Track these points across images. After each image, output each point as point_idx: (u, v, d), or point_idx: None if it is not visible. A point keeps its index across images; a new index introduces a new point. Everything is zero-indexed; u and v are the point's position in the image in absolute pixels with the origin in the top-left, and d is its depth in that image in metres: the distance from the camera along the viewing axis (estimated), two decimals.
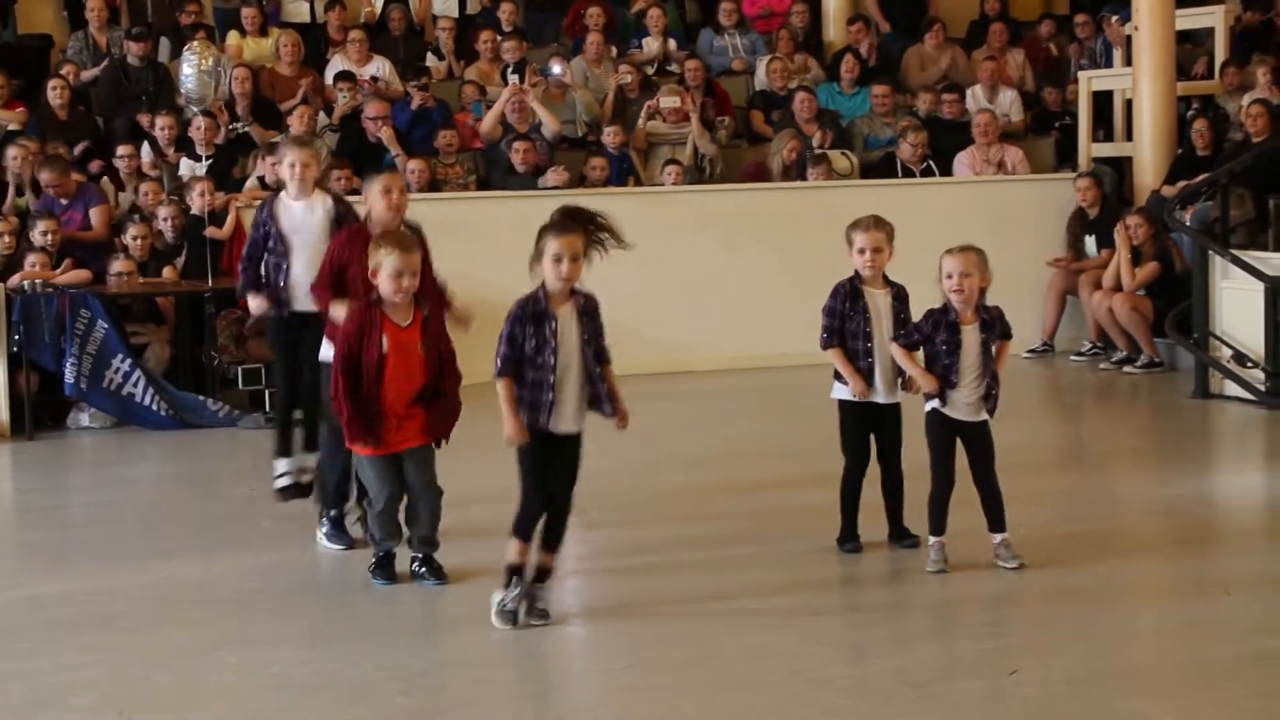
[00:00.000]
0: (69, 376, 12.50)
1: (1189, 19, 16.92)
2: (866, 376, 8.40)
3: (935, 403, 8.10)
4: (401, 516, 8.15)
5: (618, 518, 9.65)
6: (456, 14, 18.28)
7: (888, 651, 7.16)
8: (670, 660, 6.98)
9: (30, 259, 12.91)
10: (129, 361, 12.64)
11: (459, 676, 6.85)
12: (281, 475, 9.49)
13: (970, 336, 8.05)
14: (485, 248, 14.75)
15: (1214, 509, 9.69)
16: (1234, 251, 13.29)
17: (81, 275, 13.03)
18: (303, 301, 9.08)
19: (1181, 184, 14.85)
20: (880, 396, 8.45)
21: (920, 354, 8.12)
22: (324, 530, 8.98)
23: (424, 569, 8.21)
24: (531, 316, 7.41)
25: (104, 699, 6.65)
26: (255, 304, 9.27)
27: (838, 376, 8.42)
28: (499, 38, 17.18)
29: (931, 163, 16.13)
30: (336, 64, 16.75)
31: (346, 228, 8.94)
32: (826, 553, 8.53)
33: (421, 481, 8.05)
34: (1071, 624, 7.37)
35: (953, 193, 15.89)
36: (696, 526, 9.38)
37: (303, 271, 9.09)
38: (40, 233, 13.12)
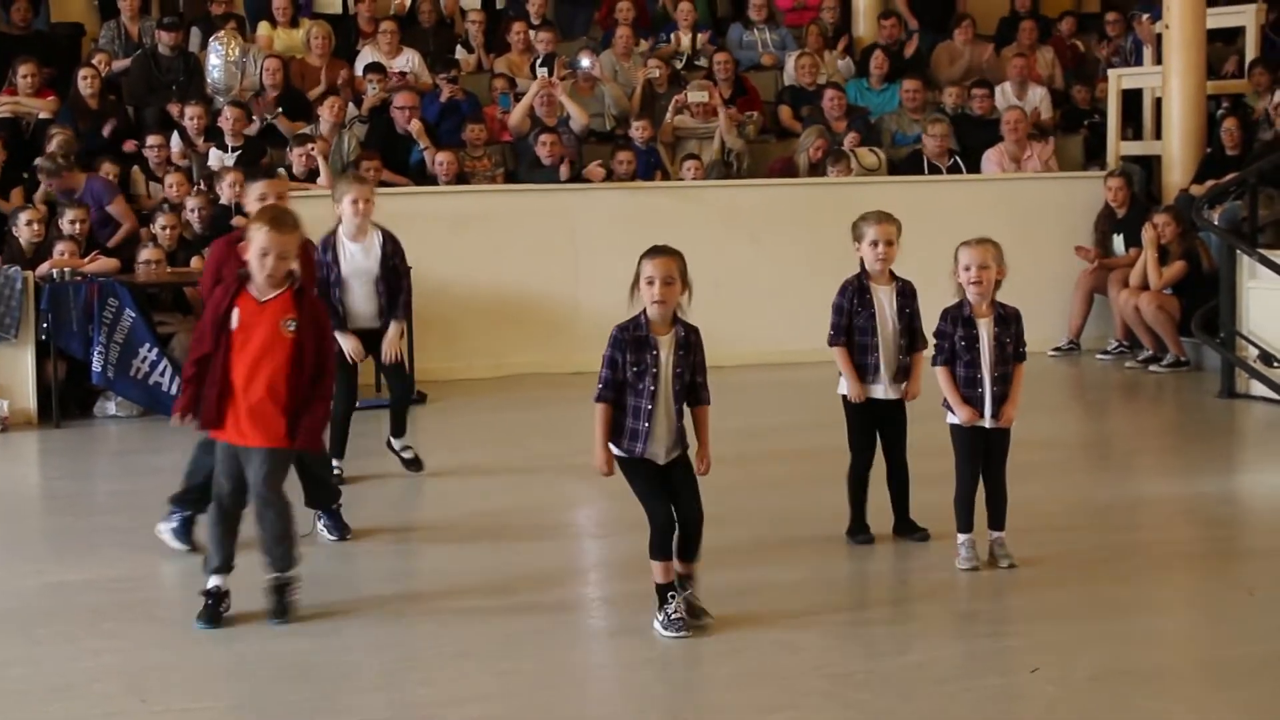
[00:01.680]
0: (96, 365, 12.54)
1: (1220, 18, 16.87)
2: (872, 372, 8.46)
3: (957, 419, 8.12)
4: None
5: (638, 512, 9.64)
6: (485, 6, 18.28)
7: (908, 647, 7.17)
8: (692, 653, 6.99)
9: (59, 247, 12.94)
10: (156, 350, 12.66)
11: (480, 668, 6.86)
12: (336, 470, 9.98)
13: (985, 329, 8.04)
14: (511, 240, 14.83)
15: (1239, 508, 9.66)
16: (1261, 251, 13.25)
17: (110, 264, 13.06)
18: (364, 322, 9.99)
19: (1210, 183, 14.82)
20: (882, 392, 8.51)
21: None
22: (172, 526, 8.69)
23: (270, 598, 7.52)
24: (631, 342, 7.28)
25: (127, 686, 6.68)
26: (350, 346, 9.92)
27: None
28: (530, 30, 17.20)
29: (959, 159, 16.12)
30: (366, 55, 16.77)
31: (224, 236, 9.06)
32: (848, 549, 8.53)
33: (263, 488, 7.39)
34: (1093, 622, 7.36)
35: (980, 189, 15.87)
36: (719, 522, 9.35)
37: (362, 302, 9.99)
38: (69, 221, 13.16)
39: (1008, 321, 8.16)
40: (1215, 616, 7.67)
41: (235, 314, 7.34)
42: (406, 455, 10.53)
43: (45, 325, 12.56)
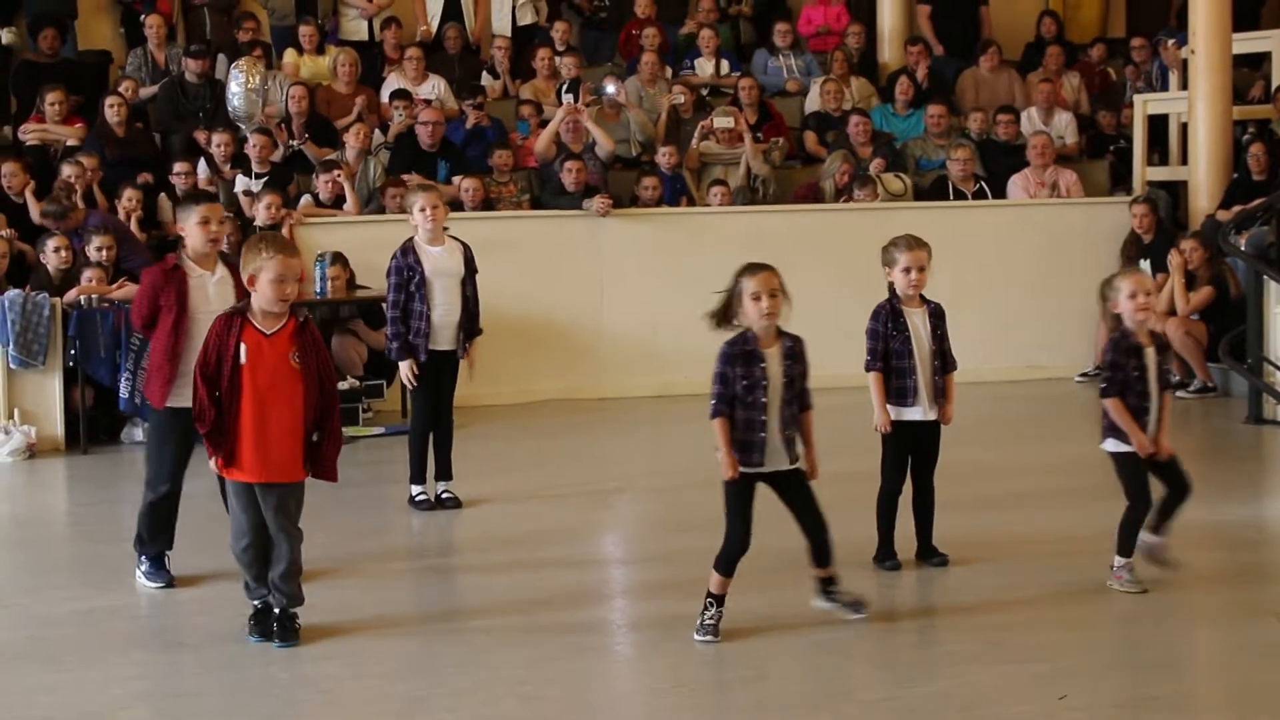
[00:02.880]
0: (123, 391, 12.56)
1: (1246, 43, 16.85)
2: (911, 394, 8.52)
3: (1123, 446, 8.18)
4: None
5: (664, 538, 9.66)
6: (510, 32, 18.31)
7: (934, 674, 7.16)
8: (718, 679, 7.00)
9: (86, 274, 12.98)
10: None
11: (507, 694, 6.86)
12: (420, 495, 10.47)
13: (1150, 359, 8.13)
14: (537, 266, 14.84)
15: (1266, 534, 9.64)
16: None
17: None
18: (444, 341, 10.15)
19: (1236, 208, 14.79)
20: (921, 414, 8.57)
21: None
22: (143, 569, 8.70)
23: (275, 624, 7.54)
24: (741, 356, 7.49)
25: (154, 713, 6.71)
26: (407, 372, 10.16)
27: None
28: (555, 56, 17.24)
29: (984, 184, 16.11)
30: (393, 82, 16.82)
31: (159, 263, 9.04)
32: (874, 575, 8.52)
33: (278, 522, 7.39)
34: (1121, 649, 7.36)
35: (1005, 215, 15.87)
36: None
37: (448, 312, 10.15)
38: (95, 248, 13.20)
39: (1165, 349, 8.27)
40: (1241, 643, 7.65)
41: (243, 349, 7.28)
42: (446, 496, 10.55)
43: (73, 352, 12.61)
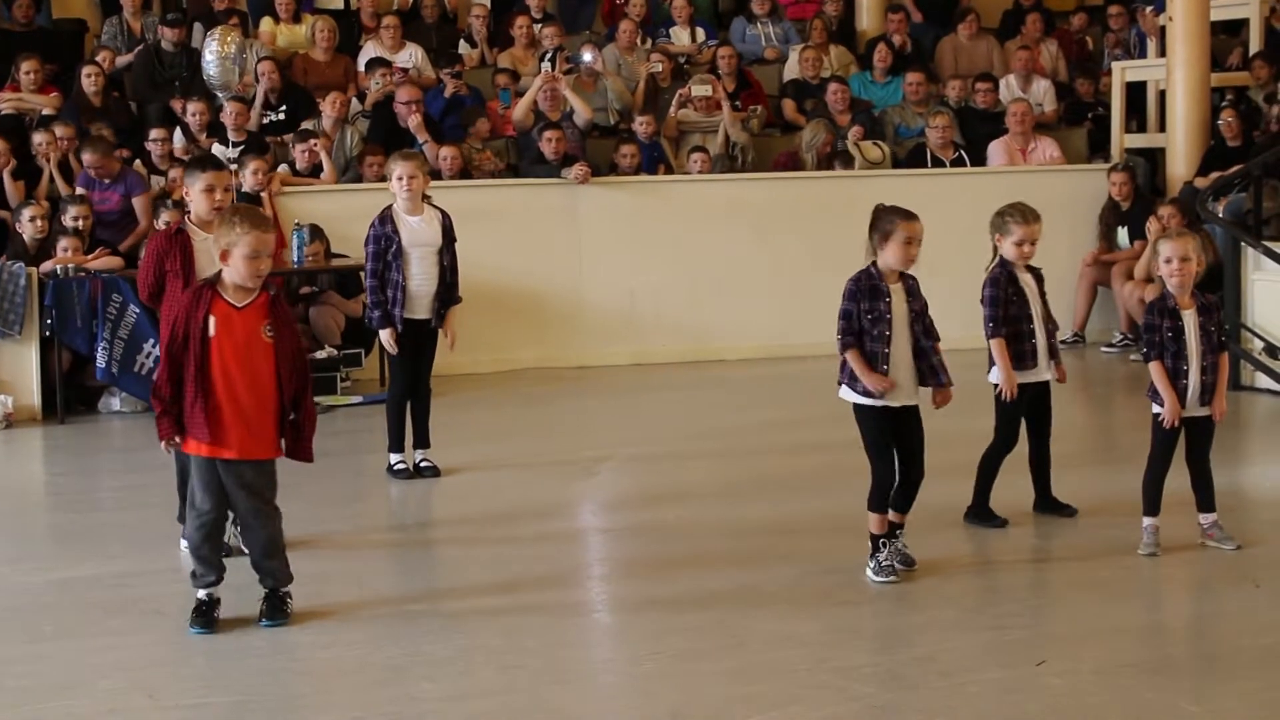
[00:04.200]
0: (100, 361, 12.54)
1: (1224, 10, 16.84)
2: (1030, 358, 8.77)
3: (1156, 408, 8.32)
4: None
5: (643, 508, 9.66)
6: (489, 0, 18.26)
7: (914, 640, 7.18)
8: (696, 648, 6.98)
9: (62, 243, 12.93)
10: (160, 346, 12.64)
11: (486, 663, 6.86)
12: (399, 463, 10.48)
13: (1190, 320, 8.21)
14: (515, 234, 14.82)
15: (1243, 501, 9.64)
16: (1266, 243, 13.24)
17: (114, 261, 13.04)
18: (420, 310, 10.13)
19: (1214, 175, 14.80)
20: (1038, 375, 8.82)
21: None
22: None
23: (264, 603, 7.41)
24: (867, 291, 7.76)
25: (133, 682, 6.68)
26: (389, 339, 10.18)
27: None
28: (533, 24, 17.18)
29: (963, 152, 16.10)
30: (369, 50, 16.76)
31: (163, 229, 8.99)
32: (852, 543, 8.50)
33: (250, 503, 7.23)
34: (1099, 615, 7.36)
35: (984, 182, 15.82)
36: (722, 516, 9.39)
37: (424, 281, 10.13)
38: (71, 217, 13.14)
39: (1210, 311, 8.31)
40: (1221, 608, 7.67)
41: (212, 321, 7.12)
42: (425, 465, 10.55)
43: (49, 321, 12.56)
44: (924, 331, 7.85)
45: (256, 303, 7.19)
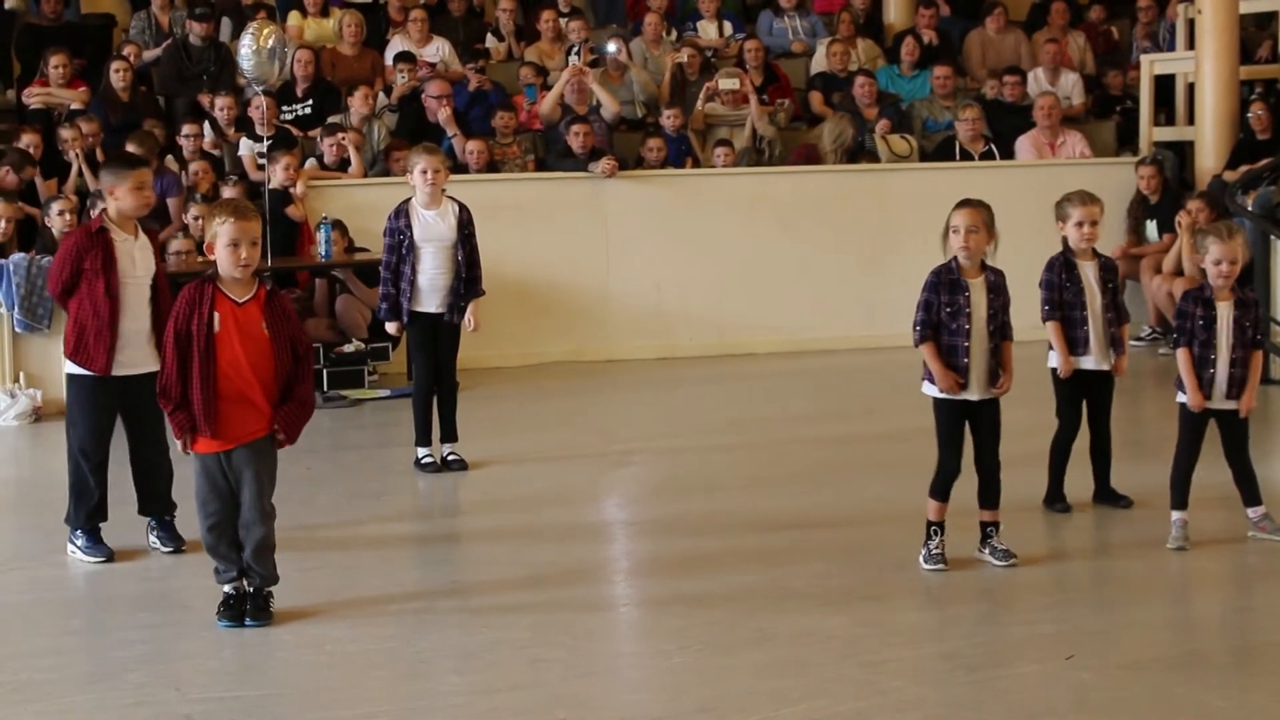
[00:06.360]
0: None
1: (1253, 2, 16.79)
2: (1082, 344, 8.85)
3: (1181, 397, 8.40)
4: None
5: (670, 501, 9.66)
6: None
7: (942, 635, 7.17)
8: (723, 642, 6.98)
9: None
10: None
11: (513, 656, 6.86)
12: (426, 457, 10.49)
13: (1225, 313, 8.25)
14: (542, 228, 14.82)
15: (1271, 493, 9.59)
16: None
17: None
18: (433, 304, 10.20)
19: (1243, 168, 14.75)
20: (1091, 363, 8.91)
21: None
22: (78, 544, 8.61)
23: (249, 603, 7.36)
24: (946, 285, 7.83)
25: (159, 675, 6.69)
26: (394, 329, 10.39)
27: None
28: (560, 18, 17.19)
29: (993, 145, 16.07)
30: (397, 44, 16.77)
31: (81, 225, 8.93)
32: (881, 537, 8.50)
33: (252, 498, 7.23)
34: (1128, 610, 7.34)
35: (1011, 176, 15.80)
36: (749, 510, 9.38)
37: (437, 276, 10.18)
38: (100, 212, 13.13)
39: (1248, 306, 8.33)
40: (1250, 603, 7.66)
41: (217, 318, 7.09)
42: (452, 458, 10.55)
43: None
44: (998, 329, 7.89)
45: (256, 299, 7.19)
